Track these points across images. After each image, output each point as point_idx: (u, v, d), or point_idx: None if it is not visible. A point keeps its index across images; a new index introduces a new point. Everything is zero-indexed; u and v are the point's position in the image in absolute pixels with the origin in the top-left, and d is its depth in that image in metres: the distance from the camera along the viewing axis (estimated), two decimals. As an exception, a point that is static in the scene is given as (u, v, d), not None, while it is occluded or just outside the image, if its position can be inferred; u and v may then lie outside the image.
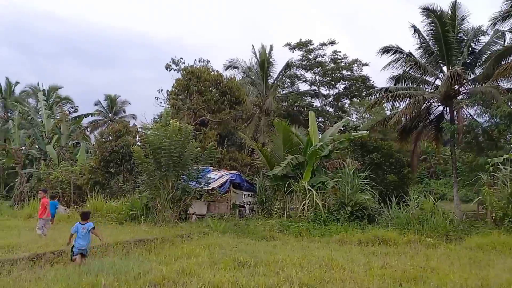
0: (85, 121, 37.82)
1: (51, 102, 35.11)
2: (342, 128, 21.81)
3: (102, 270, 8.08)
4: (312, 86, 38.55)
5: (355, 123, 35.38)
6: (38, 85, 41.98)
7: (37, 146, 28.88)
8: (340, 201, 17.52)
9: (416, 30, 24.02)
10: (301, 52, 37.55)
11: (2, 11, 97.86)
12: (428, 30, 23.61)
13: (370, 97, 35.71)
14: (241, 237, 14.26)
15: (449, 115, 23.27)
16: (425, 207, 16.90)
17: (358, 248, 12.14)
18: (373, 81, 36.70)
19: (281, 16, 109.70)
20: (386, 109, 29.78)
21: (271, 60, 34.18)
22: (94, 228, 8.84)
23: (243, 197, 20.86)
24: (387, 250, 11.58)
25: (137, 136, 22.87)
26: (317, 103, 39.20)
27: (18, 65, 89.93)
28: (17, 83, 44.15)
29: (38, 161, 26.32)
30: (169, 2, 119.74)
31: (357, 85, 37.48)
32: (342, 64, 37.36)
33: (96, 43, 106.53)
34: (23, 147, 28.60)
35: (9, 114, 40.28)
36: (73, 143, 30.79)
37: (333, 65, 37.36)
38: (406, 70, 25.22)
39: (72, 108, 33.42)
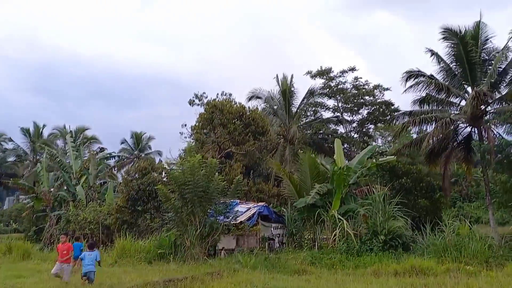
0: (112, 160, 38.47)
1: (78, 143, 35.94)
2: (369, 155, 21.36)
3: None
4: (335, 113, 38.34)
5: (381, 147, 34.75)
6: (65, 127, 43.31)
7: (65, 188, 29.34)
8: (372, 230, 16.91)
9: (434, 53, 23.84)
10: (323, 80, 37.62)
11: (28, 57, 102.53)
12: (449, 52, 23.31)
13: (394, 121, 35.30)
14: (272, 272, 13.82)
15: (477, 136, 22.59)
16: (461, 233, 16.19)
17: (395, 280, 11.54)
18: (397, 105, 36.24)
19: (300, 45, 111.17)
20: (412, 132, 29.21)
21: (292, 89, 34.30)
22: (99, 260, 11.55)
23: (272, 229, 20.44)
24: (426, 281, 10.96)
25: (163, 173, 22.95)
26: (341, 129, 38.88)
27: (46, 110, 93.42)
28: (44, 126, 45.68)
29: (67, 203, 26.65)
30: (190, 39, 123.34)
31: (381, 109, 37.08)
32: (364, 90, 37.14)
33: (121, 84, 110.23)
34: (52, 189, 29.10)
35: (38, 157, 41.41)
36: (101, 183, 31.19)
37: (355, 91, 37.19)
38: (429, 93, 24.84)
39: (99, 148, 34.15)
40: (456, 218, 20.36)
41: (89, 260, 11.19)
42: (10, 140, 45.55)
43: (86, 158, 31.06)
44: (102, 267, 14.77)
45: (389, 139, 42.45)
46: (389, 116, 36.27)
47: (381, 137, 44.58)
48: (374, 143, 39.93)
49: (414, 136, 28.65)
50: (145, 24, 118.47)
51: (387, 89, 36.84)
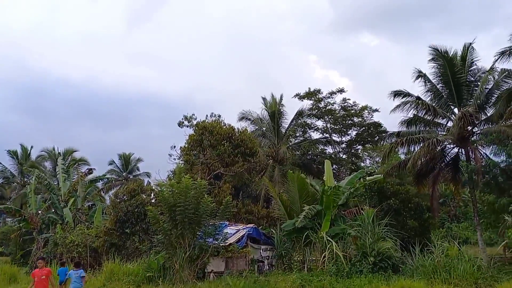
0: (100, 182, 38.11)
1: (67, 164, 35.66)
2: (359, 177, 21.53)
3: None
4: (324, 134, 38.67)
5: (369, 168, 34.98)
6: (54, 149, 43.01)
7: (53, 210, 28.98)
8: (361, 251, 16.93)
9: (421, 75, 24.26)
10: (311, 101, 38.04)
11: (17, 78, 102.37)
12: (436, 72, 23.75)
13: (382, 142, 35.66)
14: (262, 295, 13.77)
15: (464, 156, 22.89)
16: (450, 254, 16.27)
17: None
18: (385, 126, 36.64)
19: (288, 66, 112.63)
20: (400, 152, 29.52)
21: (281, 110, 34.62)
22: (84, 276, 12.65)
23: (261, 251, 20.34)
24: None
25: (152, 194, 22.86)
26: (330, 150, 39.15)
27: (33, 131, 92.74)
28: (31, 147, 45.28)
29: (55, 225, 26.30)
30: (178, 60, 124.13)
31: (369, 131, 37.50)
32: (353, 111, 37.61)
33: (109, 105, 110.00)
34: (40, 212, 28.72)
35: (25, 179, 40.93)
36: (89, 205, 30.90)
37: (343, 112, 37.63)
38: (417, 114, 25.18)
39: (88, 169, 33.88)
40: (445, 239, 20.53)
41: (76, 278, 12.30)
42: (-3, 162, 45.02)
43: (74, 180, 30.79)
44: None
45: (377, 159, 42.79)
46: (377, 137, 36.74)
47: (369, 157, 44.90)
48: (362, 164, 40.30)
49: (402, 156, 28.96)
50: (133, 46, 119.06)
51: (376, 110, 37.39)
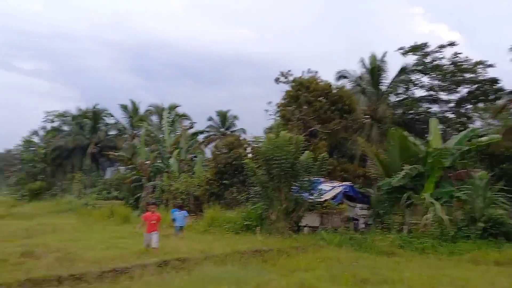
0: (200, 137, 40.17)
1: (171, 119, 38.00)
2: (468, 137, 19.65)
3: (223, 279, 8.18)
4: (430, 91, 35.75)
5: (480, 130, 31.84)
6: (159, 104, 46.07)
7: (160, 160, 31.27)
8: (469, 216, 15.74)
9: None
10: (416, 56, 35.16)
11: (127, 40, 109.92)
12: None
13: (498, 101, 32.13)
14: (358, 251, 13.54)
15: None
16: None
17: (497, 269, 10.63)
18: (502, 83, 32.70)
19: (388, 21, 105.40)
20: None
21: (382, 66, 32.59)
22: (186, 216, 16.14)
23: (357, 209, 19.95)
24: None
25: (248, 148, 23.42)
26: (435, 108, 36.21)
27: (140, 89, 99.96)
28: (140, 102, 48.96)
29: (161, 174, 28.40)
30: (273, 21, 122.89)
31: (483, 88, 33.77)
32: (464, 66, 34.00)
33: (207, 65, 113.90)
34: (148, 161, 31.17)
35: (134, 132, 44.56)
36: (191, 157, 32.77)
37: (453, 68, 34.21)
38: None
39: (190, 123, 35.91)
40: None
41: (180, 218, 15.64)
42: (111, 115, 49.66)
43: (178, 133, 32.74)
44: (194, 234, 15.74)
45: (489, 121, 38.67)
46: (493, 95, 33.13)
47: (480, 119, 40.63)
48: (471, 125, 36.77)
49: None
50: (230, 8, 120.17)
51: (491, 65, 33.32)
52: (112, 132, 49.96)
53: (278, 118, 25.11)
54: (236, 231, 16.01)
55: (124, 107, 48.00)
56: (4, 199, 37.14)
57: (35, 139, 48.75)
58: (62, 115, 50.45)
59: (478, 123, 37.20)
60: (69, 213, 24.86)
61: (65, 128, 50.66)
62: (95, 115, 48.32)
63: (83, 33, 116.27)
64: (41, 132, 49.85)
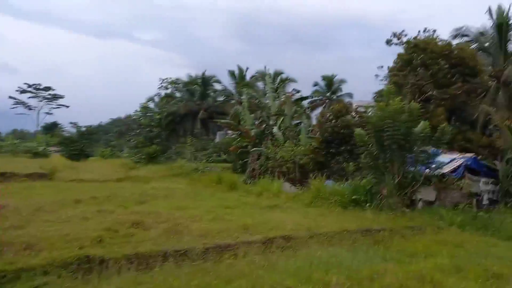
0: (305, 102, 39.46)
1: (276, 86, 37.80)
2: None
3: (331, 264, 7.75)
4: None
5: None
6: (265, 70, 46.01)
7: (264, 126, 31.40)
8: None
9: None
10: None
11: (236, 5, 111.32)
12: None
13: None
14: (485, 235, 12.11)
15: None
16: None
17: None
18: None
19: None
20: None
21: (510, 22, 28.17)
22: None
23: (481, 184, 17.88)
24: None
25: (357, 116, 22.18)
26: None
27: (248, 55, 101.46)
28: (247, 69, 49.49)
29: (267, 141, 28.51)
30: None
31: None
32: None
33: (314, 28, 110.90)
34: (253, 128, 31.51)
35: (242, 98, 45.42)
36: (296, 123, 32.36)
37: None
38: None
39: (294, 90, 35.33)
40: None
41: None
42: (219, 82, 51.16)
43: (283, 99, 32.42)
44: (300, 206, 15.48)
45: None
46: None
47: None
48: None
49: None
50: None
51: None
52: (220, 98, 51.59)
53: (390, 84, 23.25)
54: (343, 205, 15.33)
55: (231, 73, 49.06)
56: (125, 161, 40.69)
57: (151, 105, 52.42)
58: (174, 83, 53.33)
59: None
60: (181, 177, 26.30)
61: (177, 94, 53.63)
62: (204, 82, 50.19)
63: (196, 2, 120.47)
64: (157, 99, 53.43)
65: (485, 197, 17.83)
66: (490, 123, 25.45)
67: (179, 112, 47.54)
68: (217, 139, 49.56)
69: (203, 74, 50.34)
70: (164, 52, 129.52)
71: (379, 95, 24.23)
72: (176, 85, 53.34)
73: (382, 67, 27.40)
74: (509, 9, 27.85)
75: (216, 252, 8.54)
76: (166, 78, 53.66)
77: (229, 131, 41.04)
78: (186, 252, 8.28)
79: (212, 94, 51.52)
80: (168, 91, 53.93)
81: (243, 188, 21.06)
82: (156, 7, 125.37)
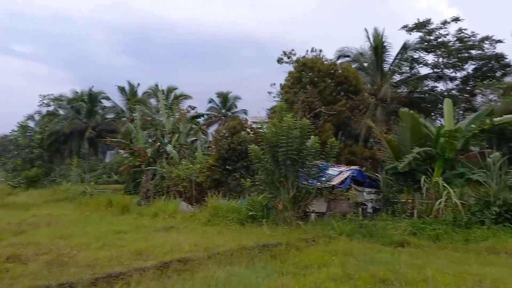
0: (201, 119, 39.27)
1: (170, 102, 37.03)
2: (482, 117, 18.74)
3: (230, 283, 7.54)
4: (435, 69, 34.69)
5: (495, 109, 30.80)
6: (157, 86, 44.88)
7: (158, 144, 30.44)
8: (484, 200, 15.05)
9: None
10: (420, 34, 34.03)
11: (125, 21, 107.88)
12: None
13: (506, 78, 31.21)
14: (370, 241, 12.92)
15: None
16: None
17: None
18: (510, 60, 31.63)
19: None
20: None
21: (385, 44, 31.48)
22: None
23: (365, 194, 19.29)
24: None
25: (252, 133, 22.58)
26: (441, 87, 35.25)
27: (139, 72, 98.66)
28: (138, 84, 47.90)
29: (161, 160, 27.63)
30: (271, 1, 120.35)
31: (490, 64, 32.73)
32: (470, 42, 32.89)
33: (207, 46, 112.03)
34: (146, 146, 30.35)
35: (134, 115, 43.65)
36: (192, 141, 31.96)
37: (459, 44, 33.11)
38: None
39: (190, 106, 34.99)
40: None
41: None
42: (108, 98, 48.58)
43: (177, 116, 31.83)
44: (197, 225, 15.04)
45: (491, 97, 37.46)
46: (500, 72, 32.15)
47: (481, 95, 39.33)
48: (477, 104, 35.77)
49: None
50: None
51: (500, 41, 32.19)
52: (110, 116, 48.99)
53: (282, 100, 24.22)
54: (241, 222, 15.29)
55: (121, 89, 47.06)
56: (0, 186, 36.36)
57: (31, 124, 47.84)
58: (57, 99, 49.42)
59: (479, 100, 36.31)
60: (66, 202, 24.22)
61: (61, 112, 49.67)
62: (91, 98, 47.30)
63: (80, 14, 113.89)
64: (37, 117, 48.92)
65: (369, 206, 19.26)
66: (371, 137, 27.90)
67: (63, 131, 43.97)
68: (107, 159, 46.92)
69: (90, 90, 47.41)
70: (44, 66, 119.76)
71: (272, 112, 25.09)
72: (60, 102, 49.47)
73: (274, 84, 28.53)
74: (383, 32, 31.18)
75: (106, 282, 7.77)
76: (48, 95, 49.66)
77: (121, 150, 39.00)
78: (71, 285, 7.40)
79: (100, 111, 48.69)
80: (51, 108, 49.84)
81: (136, 210, 19.98)
82: (35, 18, 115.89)
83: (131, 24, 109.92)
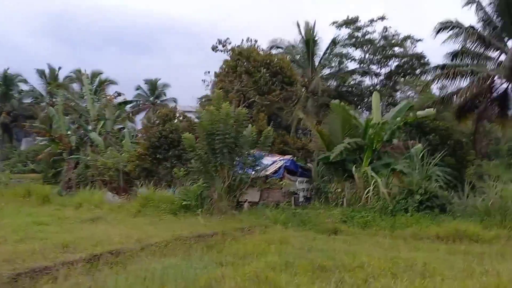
0: (128, 106, 37.52)
1: (94, 86, 34.94)
2: (405, 111, 19.90)
3: (166, 276, 7.12)
4: (362, 64, 36.28)
5: (416, 103, 32.88)
6: (81, 70, 42.11)
7: (82, 132, 28.63)
8: (407, 189, 15.96)
9: (472, 1, 22.56)
10: (349, 30, 35.39)
11: (47, 3, 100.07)
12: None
13: (424, 76, 33.42)
14: (304, 229, 13.14)
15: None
16: (504, 195, 15.10)
17: (445, 247, 10.66)
18: (428, 59, 34.00)
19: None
20: (436, 88, 27.68)
21: (316, 38, 32.31)
22: None
23: (297, 183, 19.62)
24: (482, 250, 10.05)
25: (184, 121, 21.94)
26: (368, 81, 37.00)
27: (62, 56, 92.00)
28: (60, 68, 44.68)
29: (85, 147, 26.00)
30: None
31: (411, 63, 34.96)
32: (394, 41, 34.88)
33: (136, 31, 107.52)
34: (69, 133, 28.40)
35: (54, 100, 40.62)
36: (119, 128, 30.45)
37: (384, 42, 34.95)
38: (466, 46, 23.67)
39: (116, 92, 33.21)
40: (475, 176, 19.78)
41: None
42: (25, 81, 44.84)
43: (102, 103, 30.10)
44: (127, 217, 14.28)
45: (409, 93, 40.04)
46: (419, 70, 34.41)
47: (401, 91, 41.87)
48: (399, 98, 38.06)
49: (437, 93, 27.37)
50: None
51: (419, 40, 34.53)
52: (27, 100, 45.28)
53: (217, 89, 23.82)
54: (174, 212, 14.77)
55: (41, 73, 43.58)
56: None
57: None
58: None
59: (398, 95, 38.75)
60: (-22, 193, 21.81)
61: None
62: (7, 81, 43.43)
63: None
64: None
65: (301, 195, 19.61)
66: (301, 128, 28.55)
67: (-27, 115, 39.90)
68: (23, 147, 43.33)
69: (5, 72, 43.45)
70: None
71: (206, 100, 24.61)
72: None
73: (209, 72, 28.06)
74: (314, 25, 31.87)
75: (29, 277, 6.99)
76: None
77: (39, 137, 36.07)
78: (-13, 282, 6.55)
79: (16, 95, 44.82)
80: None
81: (58, 201, 18.58)
82: None
83: (52, 6, 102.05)
